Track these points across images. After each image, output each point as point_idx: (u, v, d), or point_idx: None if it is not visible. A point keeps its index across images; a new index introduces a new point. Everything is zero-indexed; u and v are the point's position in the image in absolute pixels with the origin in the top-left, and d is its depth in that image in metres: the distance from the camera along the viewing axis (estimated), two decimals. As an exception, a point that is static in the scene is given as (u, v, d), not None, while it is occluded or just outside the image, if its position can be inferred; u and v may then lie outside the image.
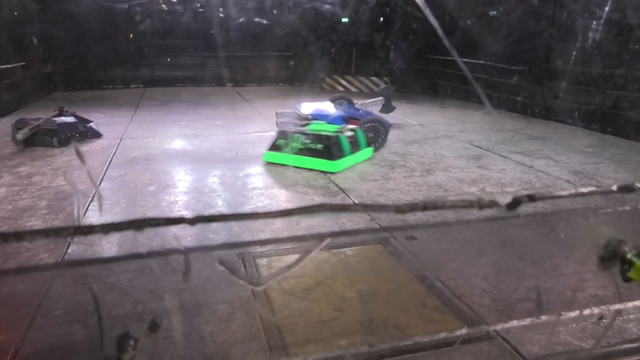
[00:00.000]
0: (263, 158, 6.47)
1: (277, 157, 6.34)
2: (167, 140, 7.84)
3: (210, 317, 2.96)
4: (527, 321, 0.85)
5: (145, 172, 6.06)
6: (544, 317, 0.78)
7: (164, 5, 14.20)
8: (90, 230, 0.54)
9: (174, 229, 3.28)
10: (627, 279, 0.73)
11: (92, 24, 13.24)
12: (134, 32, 14.14)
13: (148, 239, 3.88)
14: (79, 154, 6.09)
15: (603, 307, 0.80)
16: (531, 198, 0.66)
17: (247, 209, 4.92)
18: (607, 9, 7.85)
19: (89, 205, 4.80)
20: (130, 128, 8.76)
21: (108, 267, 3.51)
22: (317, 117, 7.33)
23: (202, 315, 2.97)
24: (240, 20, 14.62)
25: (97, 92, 13.43)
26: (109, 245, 3.94)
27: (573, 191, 0.72)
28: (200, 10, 14.42)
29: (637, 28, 7.59)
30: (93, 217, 4.64)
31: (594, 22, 8.14)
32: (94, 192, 5.11)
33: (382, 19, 14.22)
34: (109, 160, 6.56)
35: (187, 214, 4.33)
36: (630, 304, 0.80)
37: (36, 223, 4.46)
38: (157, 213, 4.69)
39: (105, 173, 5.99)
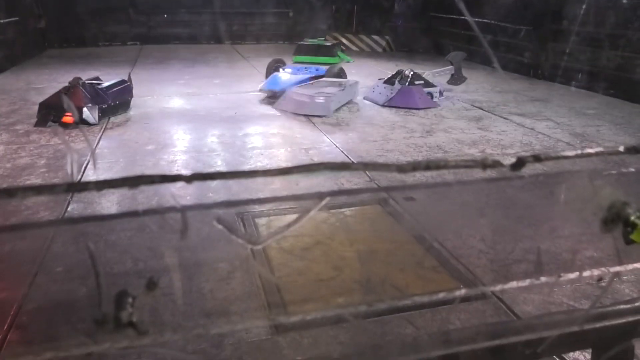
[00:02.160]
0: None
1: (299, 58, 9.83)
2: (165, 99, 7.75)
3: (210, 275, 3.00)
4: (526, 282, 0.85)
5: (144, 131, 6.01)
6: (543, 279, 0.78)
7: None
8: (84, 187, 0.53)
9: (172, 188, 3.27)
10: (629, 242, 0.72)
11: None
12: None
13: (147, 198, 3.89)
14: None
15: (603, 269, 0.80)
16: (536, 158, 0.65)
17: (246, 168, 4.91)
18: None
19: (87, 165, 4.78)
20: (128, 86, 8.63)
21: (108, 225, 3.53)
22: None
23: (202, 273, 3.01)
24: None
25: (93, 50, 13.17)
26: (108, 204, 3.95)
27: (579, 152, 0.70)
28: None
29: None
30: (92, 176, 4.63)
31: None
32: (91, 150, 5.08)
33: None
34: (107, 118, 6.50)
35: (185, 172, 4.32)
36: (630, 266, 0.80)
37: (35, 181, 4.46)
38: (156, 171, 4.67)
39: (102, 132, 5.94)
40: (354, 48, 13.87)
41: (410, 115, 6.90)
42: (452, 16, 11.53)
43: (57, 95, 6.18)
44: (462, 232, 3.59)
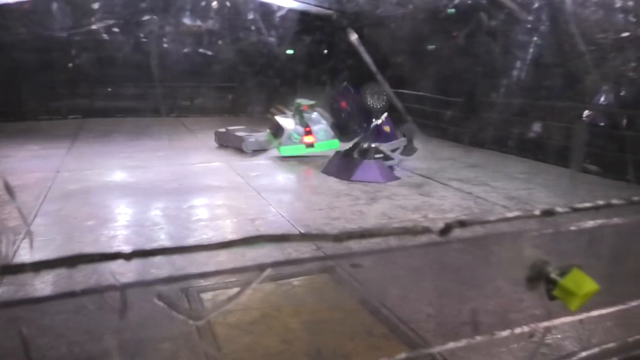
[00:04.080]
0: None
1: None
2: (107, 173, 7.58)
3: (152, 356, 2.84)
4: (469, 342, 0.88)
5: (84, 205, 5.81)
6: (478, 338, 0.81)
7: (105, 35, 13.91)
8: (19, 269, 0.53)
9: (113, 265, 3.14)
10: (552, 298, 0.78)
11: (27, 53, 12.75)
12: (73, 62, 13.72)
13: (85, 277, 3.70)
14: (9, 189, 5.76)
15: (532, 325, 0.85)
16: (462, 224, 0.70)
17: (190, 241, 4.81)
18: (530, 50, 8.67)
19: (20, 243, 4.52)
20: (68, 160, 8.41)
21: (41, 309, 3.31)
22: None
23: (144, 355, 2.85)
24: (184, 51, 14.54)
25: (32, 124, 12.83)
26: (42, 285, 3.72)
27: (500, 216, 0.77)
28: (144, 40, 14.24)
29: (552, 66, 8.37)
30: (25, 255, 4.37)
31: (518, 62, 8.92)
32: (26, 228, 4.83)
33: (325, 52, 14.59)
34: (44, 194, 6.25)
35: (126, 248, 4.17)
36: (557, 321, 0.85)
37: (-40, 263, 4.16)
38: (96, 249, 4.49)
39: (39, 208, 5.70)
40: (298, 119, 14.30)
41: (354, 184, 7.08)
42: (395, 90, 12.19)
43: None
44: (409, 297, 3.63)
